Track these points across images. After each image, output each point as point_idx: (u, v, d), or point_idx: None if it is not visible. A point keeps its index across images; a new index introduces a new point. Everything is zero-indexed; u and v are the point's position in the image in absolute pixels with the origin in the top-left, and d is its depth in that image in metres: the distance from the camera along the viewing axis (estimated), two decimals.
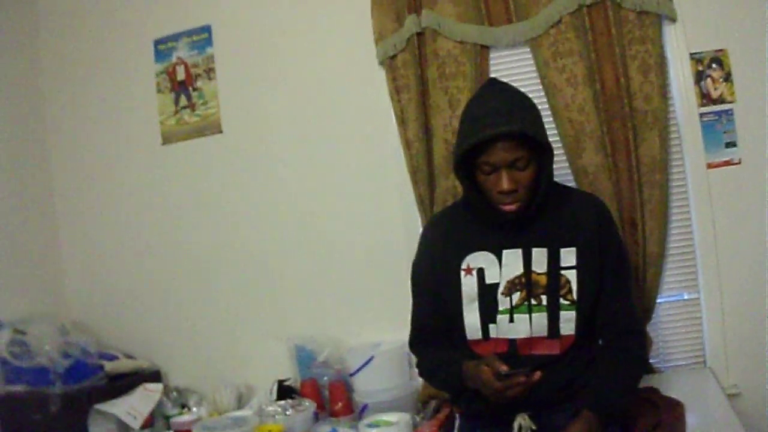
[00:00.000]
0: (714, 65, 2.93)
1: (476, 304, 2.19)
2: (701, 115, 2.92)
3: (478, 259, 2.21)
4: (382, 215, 3.16)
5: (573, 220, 2.19)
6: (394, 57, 3.06)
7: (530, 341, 2.15)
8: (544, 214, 2.17)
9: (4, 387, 3.08)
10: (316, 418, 2.89)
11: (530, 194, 2.11)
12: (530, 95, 2.90)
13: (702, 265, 2.94)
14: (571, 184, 2.93)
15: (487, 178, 2.09)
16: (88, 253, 3.64)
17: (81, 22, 3.62)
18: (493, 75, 3.05)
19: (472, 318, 2.19)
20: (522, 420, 2.14)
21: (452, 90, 3.01)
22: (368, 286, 3.14)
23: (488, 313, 2.18)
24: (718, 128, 2.92)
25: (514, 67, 3.07)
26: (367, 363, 3.00)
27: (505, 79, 2.95)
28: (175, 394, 3.23)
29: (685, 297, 2.99)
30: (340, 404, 3.03)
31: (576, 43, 2.90)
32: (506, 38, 3.00)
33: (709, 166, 2.92)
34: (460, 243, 2.24)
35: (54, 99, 3.66)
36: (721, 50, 2.92)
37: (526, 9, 2.98)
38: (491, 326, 2.17)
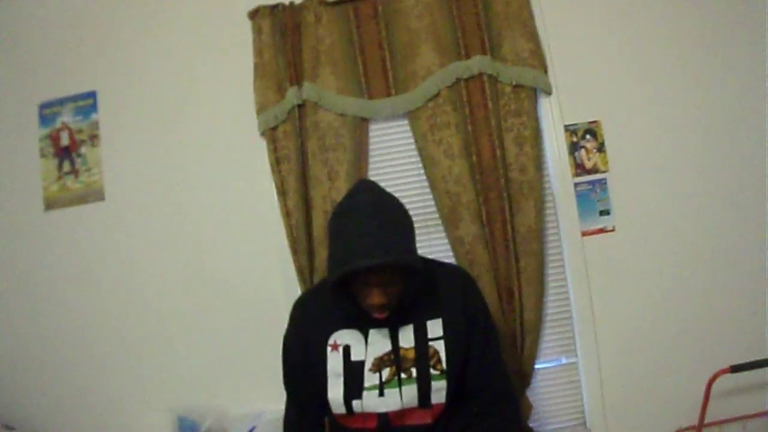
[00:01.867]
0: (588, 136, 3.08)
1: (341, 380, 2.26)
2: (576, 184, 3.07)
3: (345, 336, 2.29)
4: (264, 284, 3.19)
5: (438, 294, 2.28)
6: (275, 128, 3.13)
7: (402, 413, 2.23)
8: (409, 290, 2.22)
9: None
10: None
11: (399, 299, 2.20)
12: (408, 166, 3.13)
13: (579, 330, 3.07)
14: (449, 254, 3.06)
15: (359, 289, 2.17)
16: None
17: None
18: (372, 145, 3.17)
19: (335, 393, 2.26)
20: None
21: (332, 162, 3.08)
22: (251, 355, 3.17)
23: (352, 389, 2.25)
24: (593, 197, 3.06)
25: (393, 139, 3.17)
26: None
27: (383, 151, 3.16)
28: None
29: (564, 361, 3.11)
30: None
31: (453, 115, 3.01)
32: (385, 111, 3.09)
33: (584, 233, 3.06)
34: (328, 320, 2.31)
35: None
36: (594, 122, 3.08)
37: (405, 83, 3.08)
38: (355, 401, 2.24)
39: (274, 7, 3.16)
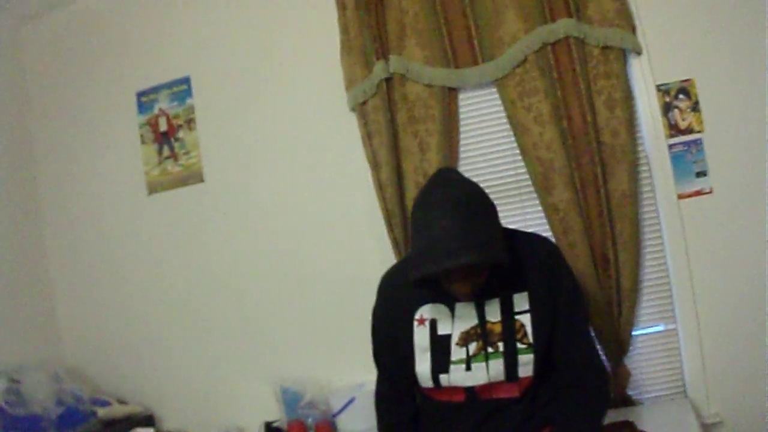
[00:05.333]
0: (681, 96, 3.07)
1: (428, 354, 2.33)
2: (670, 146, 3.04)
3: (431, 310, 2.35)
4: (361, 258, 3.32)
5: (522, 266, 2.29)
6: (364, 103, 3.22)
7: (489, 386, 2.27)
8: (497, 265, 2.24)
9: None
10: None
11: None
12: (498, 134, 3.21)
13: (678, 295, 3.04)
14: (542, 221, 3.11)
15: (444, 280, 2.21)
16: (81, 300, 3.90)
17: (67, 76, 3.92)
18: (462, 115, 3.24)
19: (423, 367, 2.33)
20: None
21: (422, 133, 3.17)
22: (350, 328, 3.25)
23: (440, 364, 2.31)
24: (688, 158, 3.06)
25: (482, 108, 3.23)
26: (348, 404, 3.21)
27: (473, 120, 3.23)
28: None
29: (662, 328, 3.11)
30: None
31: (541, 81, 3.03)
32: (473, 80, 3.15)
33: (680, 196, 3.03)
34: (414, 295, 2.36)
35: (44, 153, 3.96)
36: (687, 80, 3.05)
37: (492, 50, 3.11)
38: (443, 375, 2.30)
39: None
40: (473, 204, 2.16)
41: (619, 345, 3.04)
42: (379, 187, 3.23)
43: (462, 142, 3.26)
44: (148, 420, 3.61)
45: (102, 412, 3.43)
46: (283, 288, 3.50)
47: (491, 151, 3.25)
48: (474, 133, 3.26)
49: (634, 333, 3.09)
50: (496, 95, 3.19)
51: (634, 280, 3.03)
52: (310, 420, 3.28)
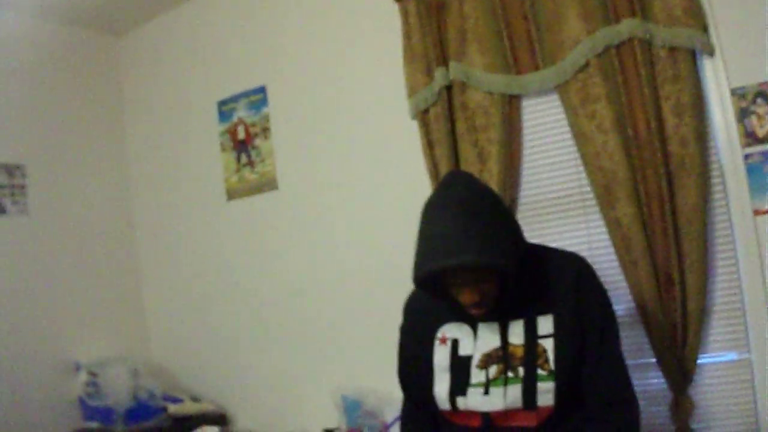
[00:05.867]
0: (759, 100, 2.80)
1: (447, 375, 2.26)
2: (746, 156, 2.78)
3: (454, 330, 2.29)
4: None
5: (550, 286, 2.20)
6: (426, 111, 3.22)
7: (506, 414, 2.17)
8: (519, 283, 2.16)
9: (82, 423, 3.73)
10: None
11: (499, 296, 2.15)
12: (561, 143, 3.08)
13: (752, 321, 2.78)
14: (604, 236, 2.97)
15: (450, 287, 2.17)
16: (166, 301, 4.23)
17: (157, 86, 4.30)
18: (524, 123, 3.16)
19: (441, 388, 2.26)
20: None
21: (482, 142, 3.11)
22: None
23: (458, 385, 2.24)
24: (766, 170, 2.80)
25: (544, 115, 3.12)
26: (398, 419, 3.21)
27: (535, 128, 3.13)
28: None
29: (734, 357, 2.85)
30: None
31: (604, 86, 2.89)
32: (533, 86, 3.05)
33: (756, 212, 2.77)
34: (437, 313, 2.33)
35: (137, 159, 4.38)
36: (766, 83, 2.81)
37: (553, 54, 3.01)
38: (460, 398, 2.23)
39: None
40: (478, 206, 2.11)
41: (683, 374, 2.83)
42: None
43: (524, 152, 3.16)
44: (220, 419, 3.82)
45: (172, 408, 3.68)
46: (351, 296, 3.57)
47: (554, 161, 3.14)
48: (536, 142, 3.17)
49: (700, 361, 2.85)
50: (558, 102, 3.05)
51: (701, 302, 2.81)
52: (367, 429, 3.30)
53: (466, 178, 2.23)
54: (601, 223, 2.97)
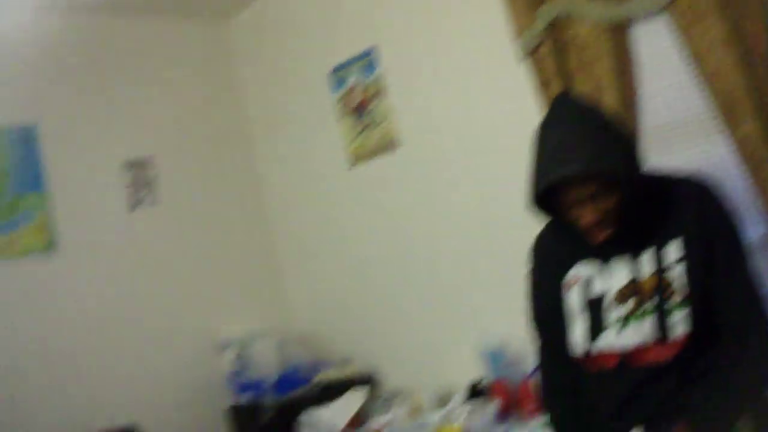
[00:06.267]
0: None
1: (582, 317, 2.27)
2: None
3: (584, 268, 2.28)
4: None
5: (676, 210, 2.15)
6: (534, 51, 3.18)
7: (641, 350, 2.16)
8: (645, 210, 2.16)
9: (234, 398, 3.95)
10: (504, 418, 3.21)
11: (620, 215, 2.13)
12: (675, 66, 2.98)
13: None
14: (731, 157, 2.86)
15: (569, 210, 2.15)
16: (305, 270, 4.45)
17: (271, 61, 4.51)
18: (635, 51, 3.07)
19: (576, 332, 2.28)
20: None
21: (596, 75, 3.05)
22: None
23: (594, 327, 2.24)
24: None
25: (655, 40, 3.02)
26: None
27: (647, 55, 3.04)
28: (383, 397, 3.76)
29: None
30: (528, 404, 3.25)
31: (714, 2, 2.79)
32: (640, 9, 2.94)
33: None
34: (565, 253, 2.32)
35: (262, 136, 4.62)
36: None
37: None
38: (596, 340, 2.23)
39: None
40: (589, 117, 2.12)
41: None
42: None
43: (639, 79, 3.07)
44: (369, 380, 3.99)
45: (321, 375, 3.82)
46: (483, 247, 3.60)
47: (670, 85, 3.04)
48: (650, 68, 3.07)
49: None
50: (668, 23, 2.95)
51: None
52: (512, 379, 3.35)
53: (573, 97, 2.24)
54: (727, 144, 2.88)
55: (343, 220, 4.19)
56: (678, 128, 3.02)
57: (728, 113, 2.80)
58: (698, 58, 2.85)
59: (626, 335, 2.16)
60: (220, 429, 4.03)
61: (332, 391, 3.81)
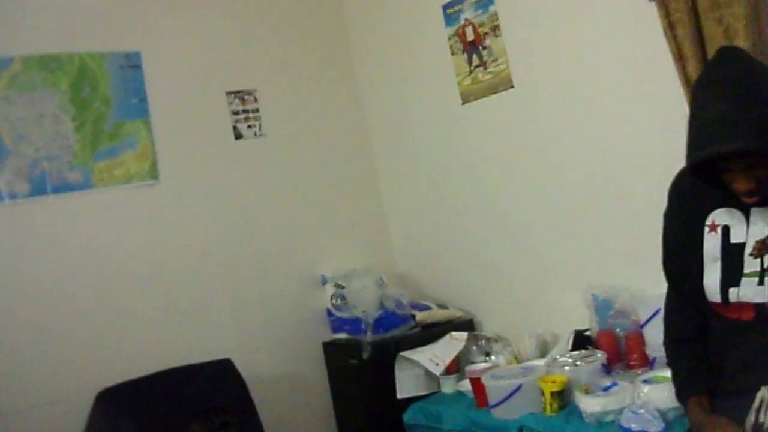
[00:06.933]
0: None
1: (718, 264, 2.26)
2: None
3: (724, 215, 2.27)
4: (666, 161, 3.22)
5: None
6: None
7: None
8: None
9: (330, 335, 4.07)
10: (608, 370, 3.19)
11: None
12: None
13: None
14: None
15: (723, 172, 2.14)
16: (407, 210, 4.47)
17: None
18: None
19: (712, 279, 2.27)
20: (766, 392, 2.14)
21: (727, 19, 2.96)
22: (656, 235, 3.22)
23: (730, 276, 2.24)
24: None
25: None
26: (654, 315, 3.18)
27: None
28: (482, 342, 3.75)
29: None
30: (635, 356, 3.25)
31: None
32: None
33: None
34: (706, 198, 2.31)
35: (366, 73, 4.62)
36: None
37: None
38: (732, 289, 2.23)
39: None
40: (756, 85, 2.06)
41: None
42: (686, 81, 3.10)
43: None
44: (468, 324, 4.04)
45: (420, 316, 3.94)
46: (590, 192, 3.57)
47: None
48: None
49: None
50: None
51: None
52: (619, 330, 3.34)
53: (739, 54, 2.19)
54: None
55: (451, 159, 4.18)
56: None
57: None
58: None
59: (766, 289, 2.15)
60: (317, 364, 4.15)
61: (432, 332, 3.87)
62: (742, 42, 2.96)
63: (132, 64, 3.89)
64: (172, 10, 4.07)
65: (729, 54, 2.17)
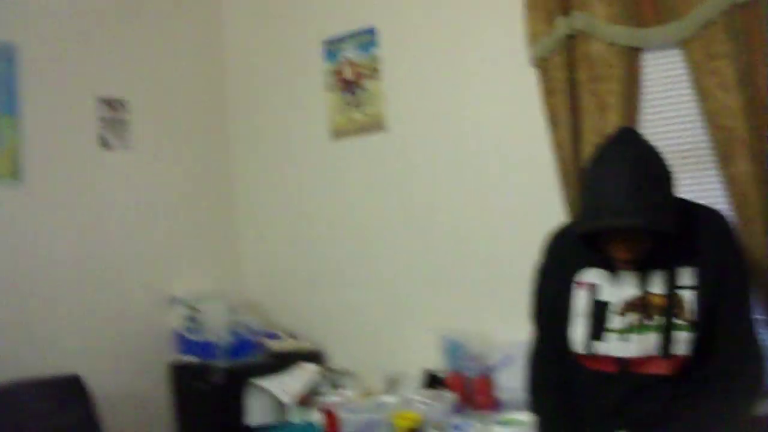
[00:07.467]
0: None
1: (585, 319, 2.49)
2: None
3: (595, 275, 2.52)
4: (530, 215, 3.53)
5: (693, 238, 2.41)
6: (545, 59, 3.40)
7: (641, 360, 2.40)
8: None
9: (177, 357, 4.02)
10: (459, 410, 3.36)
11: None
12: (680, 99, 3.21)
13: None
14: (718, 194, 3.12)
15: (606, 240, 2.37)
16: (263, 238, 4.54)
17: (260, 20, 4.53)
18: (644, 77, 3.31)
19: (578, 332, 2.50)
20: None
21: (602, 93, 3.29)
22: (516, 285, 3.31)
23: (595, 330, 2.47)
24: None
25: (665, 70, 3.28)
26: (505, 362, 3.42)
27: (655, 82, 3.26)
28: (331, 374, 3.88)
29: None
30: (484, 398, 3.43)
31: (728, 44, 3.04)
32: (657, 40, 3.22)
33: None
34: (579, 257, 2.54)
35: (236, 95, 4.65)
36: None
37: (677, 8, 3.15)
38: (596, 343, 2.46)
39: None
40: (651, 166, 2.32)
41: None
42: (557, 145, 3.40)
43: (643, 105, 3.34)
44: (316, 356, 4.14)
45: (272, 344, 3.95)
46: (454, 238, 3.80)
47: (672, 115, 3.32)
48: (655, 95, 3.34)
49: None
50: (680, 57, 3.20)
51: None
52: (469, 372, 3.53)
53: (638, 136, 2.45)
54: (716, 180, 3.15)
55: (312, 192, 4.30)
56: (672, 157, 3.21)
57: (724, 151, 3.10)
58: (705, 94, 3.13)
59: (628, 345, 2.41)
60: (163, 385, 4.09)
61: (282, 361, 3.93)
62: (613, 115, 3.27)
63: (6, 57, 3.68)
64: (54, 4, 3.92)
65: (628, 135, 2.45)
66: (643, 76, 3.33)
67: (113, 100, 4.11)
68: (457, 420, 3.21)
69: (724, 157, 3.09)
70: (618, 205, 2.22)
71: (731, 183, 3.07)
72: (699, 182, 3.24)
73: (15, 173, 3.70)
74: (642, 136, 2.44)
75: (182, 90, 4.49)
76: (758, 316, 2.66)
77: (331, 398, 3.60)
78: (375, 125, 3.97)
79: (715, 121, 3.10)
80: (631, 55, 3.29)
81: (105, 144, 4.04)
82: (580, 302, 2.51)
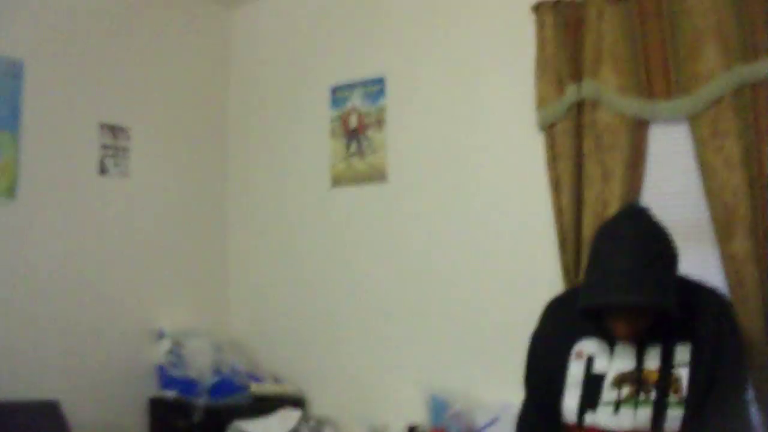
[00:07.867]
0: None
1: (579, 390, 2.52)
2: None
3: (591, 346, 2.55)
4: (528, 279, 3.56)
5: (692, 316, 2.44)
6: (553, 125, 3.46)
7: None
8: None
9: (158, 391, 4.01)
10: None
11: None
12: (685, 173, 3.24)
13: None
14: (717, 270, 3.16)
15: (608, 315, 2.41)
16: (252, 280, 4.58)
17: (267, 64, 4.61)
18: (650, 149, 3.36)
19: (571, 402, 2.52)
20: None
21: (607, 162, 3.35)
22: (506, 347, 3.43)
23: (589, 401, 2.49)
24: None
25: (671, 144, 3.34)
26: (491, 423, 3.42)
27: (660, 155, 3.28)
28: (313, 422, 3.89)
29: None
30: None
31: (735, 122, 3.11)
32: (665, 113, 3.28)
33: None
34: (577, 327, 2.58)
35: (237, 132, 4.72)
36: None
37: (688, 84, 3.23)
38: (588, 414, 2.48)
39: (557, 2, 3.50)
40: (659, 246, 2.38)
41: None
42: (559, 210, 3.45)
43: (647, 176, 3.40)
44: (299, 402, 4.14)
45: (254, 387, 4.02)
46: (446, 294, 3.84)
47: (675, 189, 3.36)
48: (660, 168, 3.39)
49: None
50: (687, 132, 3.25)
51: None
52: (454, 431, 3.51)
53: (647, 214, 2.50)
54: (715, 256, 3.19)
55: (304, 238, 4.36)
56: (672, 231, 3.24)
57: (724, 228, 3.14)
58: (709, 170, 3.18)
59: (621, 418, 2.43)
60: (141, 419, 4.06)
61: (265, 405, 3.92)
62: (617, 185, 3.31)
63: (13, 72, 3.72)
64: (60, 25, 3.95)
65: (635, 211, 2.50)
66: (648, 148, 3.37)
67: (116, 127, 4.15)
68: None
69: (723, 234, 3.13)
70: (624, 283, 2.28)
71: (730, 260, 3.11)
72: (698, 258, 3.23)
73: (10, 190, 3.71)
74: (650, 213, 2.49)
75: (185, 123, 4.56)
76: (750, 396, 2.69)
77: None
78: (376, 175, 4.02)
79: (717, 197, 3.14)
80: (639, 127, 3.35)
81: (103, 170, 4.07)
82: (575, 372, 2.54)
